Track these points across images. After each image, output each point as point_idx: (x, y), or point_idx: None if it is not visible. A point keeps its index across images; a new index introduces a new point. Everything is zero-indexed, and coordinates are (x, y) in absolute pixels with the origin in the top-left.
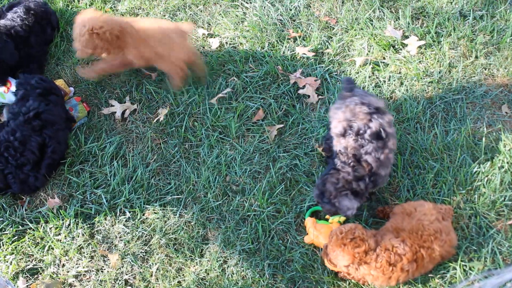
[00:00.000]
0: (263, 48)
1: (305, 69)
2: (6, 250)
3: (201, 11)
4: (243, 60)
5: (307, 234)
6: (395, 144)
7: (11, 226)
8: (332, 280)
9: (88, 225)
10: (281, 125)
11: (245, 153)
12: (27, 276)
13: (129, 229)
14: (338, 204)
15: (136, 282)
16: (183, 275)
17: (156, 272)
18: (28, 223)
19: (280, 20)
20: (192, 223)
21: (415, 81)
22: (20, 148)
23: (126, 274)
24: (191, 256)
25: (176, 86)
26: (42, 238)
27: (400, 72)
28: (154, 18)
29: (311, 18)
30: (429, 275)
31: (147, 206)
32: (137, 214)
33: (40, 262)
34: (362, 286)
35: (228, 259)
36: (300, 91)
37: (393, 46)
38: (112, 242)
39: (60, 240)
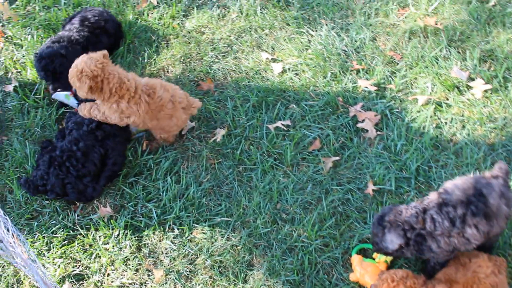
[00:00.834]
0: (325, 78)
1: (365, 103)
2: (55, 253)
3: (266, 35)
4: (304, 88)
5: (353, 271)
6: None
7: (63, 230)
8: None
9: (136, 238)
10: (337, 158)
11: (298, 182)
12: (73, 281)
13: (176, 246)
14: (387, 231)
15: None
16: None
17: None
18: (79, 228)
19: (345, 51)
20: (238, 247)
21: (478, 125)
22: (82, 159)
23: None
24: (235, 281)
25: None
26: (90, 245)
27: (463, 115)
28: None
29: (376, 52)
30: None
31: (196, 225)
32: (185, 232)
33: (86, 269)
34: None
35: None
36: (359, 125)
37: (458, 88)
38: (158, 257)
39: (108, 249)
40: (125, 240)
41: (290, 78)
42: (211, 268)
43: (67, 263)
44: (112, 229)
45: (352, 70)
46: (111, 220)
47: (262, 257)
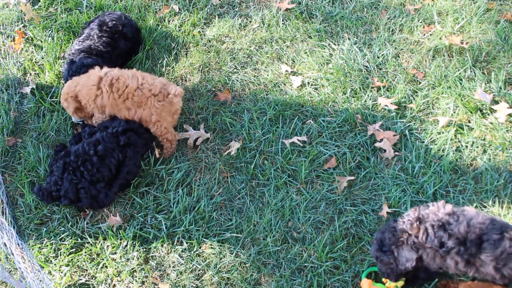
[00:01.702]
0: (345, 94)
1: (385, 121)
2: (62, 261)
3: (287, 47)
4: (322, 103)
5: None
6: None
7: (71, 238)
8: None
9: (144, 249)
10: (352, 177)
11: (311, 200)
12: None
13: (184, 260)
14: (397, 254)
15: None
16: None
17: None
18: (87, 237)
19: (366, 66)
20: (247, 265)
21: (499, 151)
22: (98, 163)
23: None
24: None
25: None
26: (98, 255)
27: (484, 139)
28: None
29: (398, 69)
30: None
31: (205, 239)
32: (194, 246)
33: (92, 279)
34: None
35: None
36: (377, 144)
37: (481, 110)
38: (165, 270)
39: (115, 260)
40: (133, 251)
41: (309, 92)
42: (218, 285)
43: (74, 272)
44: (121, 239)
45: (373, 87)
46: (120, 230)
47: (270, 276)
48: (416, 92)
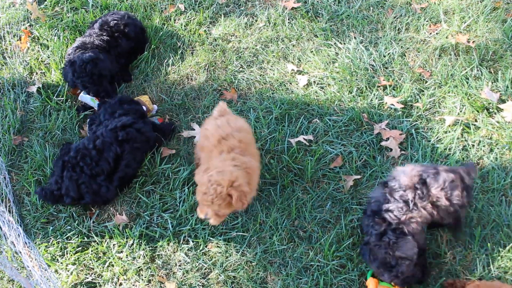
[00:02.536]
0: (351, 93)
1: (391, 120)
2: (68, 259)
3: (293, 46)
4: (328, 102)
5: None
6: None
7: (77, 236)
8: None
9: (150, 248)
10: (359, 176)
11: (317, 199)
12: None
13: (190, 259)
14: (399, 250)
15: None
16: None
17: None
18: (94, 235)
19: (372, 65)
20: (253, 264)
21: (506, 149)
22: (96, 157)
23: None
24: None
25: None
26: (104, 253)
27: (491, 138)
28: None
29: (404, 68)
30: None
31: (211, 238)
32: (200, 245)
33: (99, 277)
34: None
35: None
36: (383, 143)
37: (488, 109)
38: (171, 269)
39: (121, 259)
40: (139, 250)
41: (315, 91)
42: (224, 284)
43: (80, 270)
44: (127, 238)
45: (379, 86)
46: (126, 229)
47: (276, 275)
48: (423, 91)
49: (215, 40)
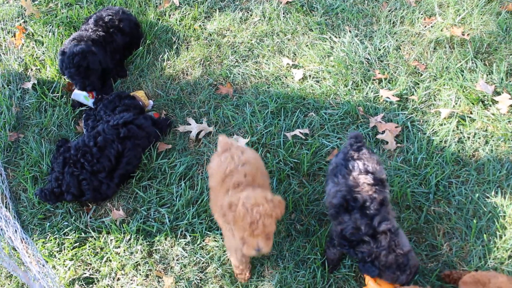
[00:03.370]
0: (346, 86)
1: (386, 113)
2: (66, 255)
3: (288, 40)
4: (324, 96)
5: (366, 286)
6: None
7: (75, 232)
8: None
9: (147, 243)
10: None
11: (313, 192)
12: (83, 285)
13: (187, 253)
14: (399, 243)
15: None
16: None
17: None
18: (91, 231)
19: (368, 59)
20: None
21: (502, 141)
22: (98, 154)
23: None
24: None
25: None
26: (101, 249)
27: (486, 130)
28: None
29: (400, 61)
30: None
31: (208, 232)
32: (197, 239)
33: (96, 272)
34: None
35: None
36: (379, 136)
37: (483, 102)
38: (168, 263)
39: (119, 254)
40: (136, 244)
41: (310, 85)
42: (222, 277)
43: (78, 266)
44: (124, 233)
45: (374, 80)
46: (123, 224)
47: (274, 268)
48: (418, 84)
49: (210, 35)
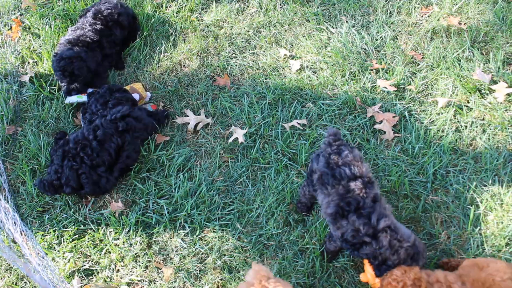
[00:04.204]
0: (344, 77)
1: (384, 103)
2: (65, 247)
3: (285, 31)
4: (321, 87)
5: (364, 272)
6: None
7: (74, 224)
8: None
9: (147, 234)
10: None
11: None
12: (82, 276)
13: (187, 244)
14: (402, 237)
15: None
16: None
17: None
18: (90, 223)
19: (365, 49)
20: (249, 248)
21: (499, 130)
22: (97, 148)
23: None
24: None
25: None
26: (101, 241)
27: (483, 119)
28: None
29: (397, 51)
30: None
31: (207, 223)
32: (196, 230)
33: (96, 264)
34: None
35: None
36: (376, 126)
37: (480, 91)
38: (168, 255)
39: (118, 245)
40: (135, 236)
41: (308, 76)
42: (221, 268)
43: (77, 258)
44: (123, 225)
45: (371, 70)
46: (122, 216)
47: (273, 259)
48: (415, 73)
49: (207, 26)
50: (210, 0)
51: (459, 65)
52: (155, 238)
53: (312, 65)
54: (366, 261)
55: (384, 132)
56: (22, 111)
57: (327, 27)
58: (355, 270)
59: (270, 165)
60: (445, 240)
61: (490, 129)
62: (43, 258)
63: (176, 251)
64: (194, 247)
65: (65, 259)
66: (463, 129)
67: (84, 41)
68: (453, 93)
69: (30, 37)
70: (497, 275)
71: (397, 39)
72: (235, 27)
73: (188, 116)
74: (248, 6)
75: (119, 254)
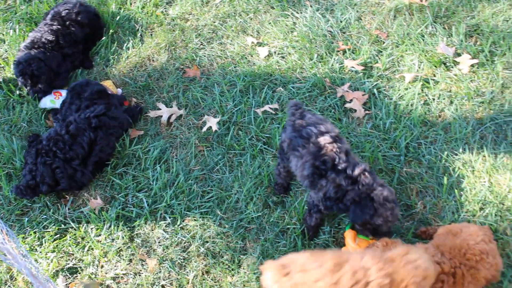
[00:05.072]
0: (312, 60)
1: (353, 82)
2: (47, 247)
3: (251, 19)
4: (290, 71)
5: (345, 246)
6: None
7: (54, 224)
8: None
9: (128, 228)
10: None
11: None
12: (67, 275)
13: (169, 234)
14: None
15: None
16: (219, 285)
17: (193, 279)
18: (70, 222)
19: (330, 31)
20: (231, 233)
21: (465, 100)
22: (70, 141)
23: (163, 280)
24: (229, 266)
25: None
26: (83, 238)
27: (450, 91)
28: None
29: (362, 31)
30: None
31: (187, 212)
32: (177, 220)
33: (79, 262)
34: None
35: None
36: (347, 105)
37: (445, 64)
38: (151, 246)
39: (100, 241)
40: (117, 231)
41: (276, 61)
42: (205, 255)
43: (60, 257)
44: (104, 221)
45: (338, 51)
46: (102, 212)
47: (255, 242)
48: (381, 51)
49: (173, 20)
50: None
51: (423, 40)
52: (137, 231)
53: (279, 51)
54: (346, 234)
55: (355, 110)
56: None
57: (292, 13)
58: (337, 245)
59: (245, 151)
60: (421, 210)
61: (457, 99)
62: (26, 256)
63: (159, 242)
64: (176, 237)
65: (48, 259)
66: (431, 102)
67: (40, 43)
68: (419, 68)
69: None
70: (470, 239)
71: (361, 19)
72: (201, 18)
73: (160, 109)
74: None
75: (102, 250)
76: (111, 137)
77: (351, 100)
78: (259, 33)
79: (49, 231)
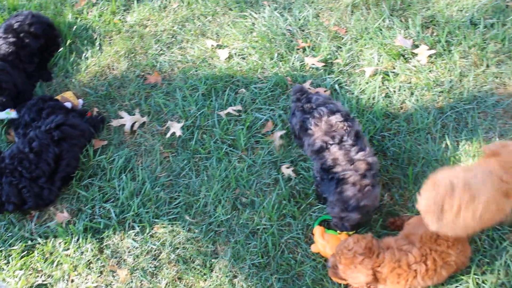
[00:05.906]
0: (272, 59)
1: (314, 79)
2: (15, 265)
3: (209, 22)
4: (252, 71)
5: (315, 242)
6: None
7: (20, 241)
8: None
9: (97, 240)
10: (283, 131)
11: (254, 165)
12: None
13: (138, 243)
14: (372, 193)
15: None
16: None
17: (165, 287)
18: (37, 238)
19: (289, 30)
20: (201, 237)
21: (425, 91)
22: (35, 159)
23: None
24: (201, 271)
25: None
26: (51, 253)
27: (410, 82)
28: None
29: (320, 28)
30: None
31: (156, 220)
32: (146, 228)
33: (49, 278)
34: None
35: (237, 274)
36: None
37: (403, 56)
38: (121, 256)
39: (69, 255)
40: (85, 243)
41: (237, 63)
42: (176, 262)
43: (29, 274)
44: (72, 234)
45: (298, 49)
46: (70, 225)
47: (225, 244)
48: (340, 47)
49: (131, 27)
50: (131, 1)
51: (381, 34)
52: (106, 242)
53: (240, 52)
54: (315, 231)
55: None
56: None
57: (250, 13)
58: (307, 244)
59: (211, 154)
60: (389, 201)
61: (418, 90)
62: None
63: (129, 251)
64: (146, 245)
65: (16, 277)
66: (392, 94)
67: (1, 55)
68: (378, 61)
69: None
70: None
71: (319, 16)
72: (159, 24)
73: (123, 117)
74: (170, 2)
75: (71, 264)
76: (75, 148)
77: None
78: (218, 35)
79: (15, 249)
